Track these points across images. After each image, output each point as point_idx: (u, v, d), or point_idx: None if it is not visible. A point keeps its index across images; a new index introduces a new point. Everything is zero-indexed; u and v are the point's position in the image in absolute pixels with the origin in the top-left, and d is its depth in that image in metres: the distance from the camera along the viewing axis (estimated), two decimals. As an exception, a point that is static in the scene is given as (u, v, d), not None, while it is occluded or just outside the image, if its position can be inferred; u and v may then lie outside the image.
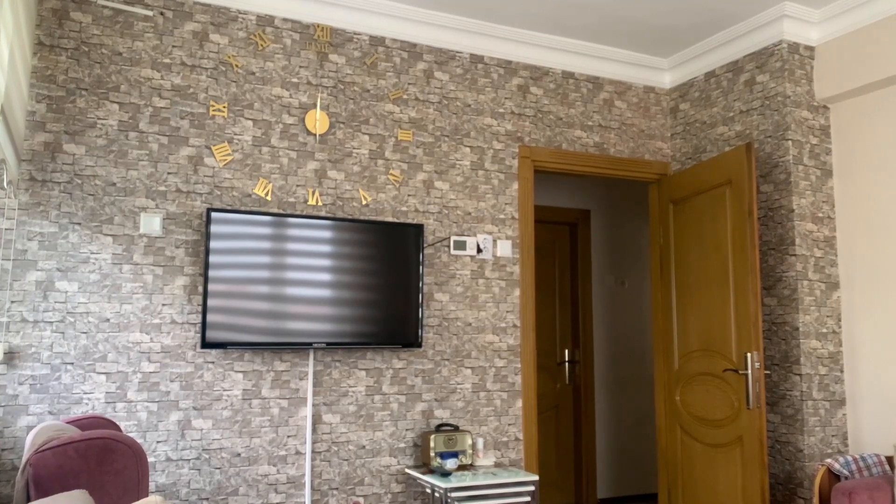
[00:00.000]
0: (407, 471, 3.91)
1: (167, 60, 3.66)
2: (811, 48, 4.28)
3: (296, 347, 3.69)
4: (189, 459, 3.52)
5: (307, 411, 3.77)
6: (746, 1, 4.08)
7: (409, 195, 4.15)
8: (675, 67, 4.90)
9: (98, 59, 3.53)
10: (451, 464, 3.71)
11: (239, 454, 3.63)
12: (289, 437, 3.73)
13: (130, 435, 3.41)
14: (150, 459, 3.45)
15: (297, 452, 3.75)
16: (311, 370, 3.78)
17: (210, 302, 3.47)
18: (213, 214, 3.52)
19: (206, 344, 3.46)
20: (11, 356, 3.25)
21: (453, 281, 4.20)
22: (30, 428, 3.26)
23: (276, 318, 3.61)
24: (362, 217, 4.00)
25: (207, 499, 3.54)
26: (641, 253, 6.37)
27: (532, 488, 3.70)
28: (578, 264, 6.06)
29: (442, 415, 4.11)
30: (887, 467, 3.59)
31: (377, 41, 4.16)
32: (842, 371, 4.14)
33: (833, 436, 4.05)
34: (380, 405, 3.96)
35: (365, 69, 4.11)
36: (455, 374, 4.15)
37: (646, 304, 6.33)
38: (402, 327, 3.89)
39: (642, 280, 6.34)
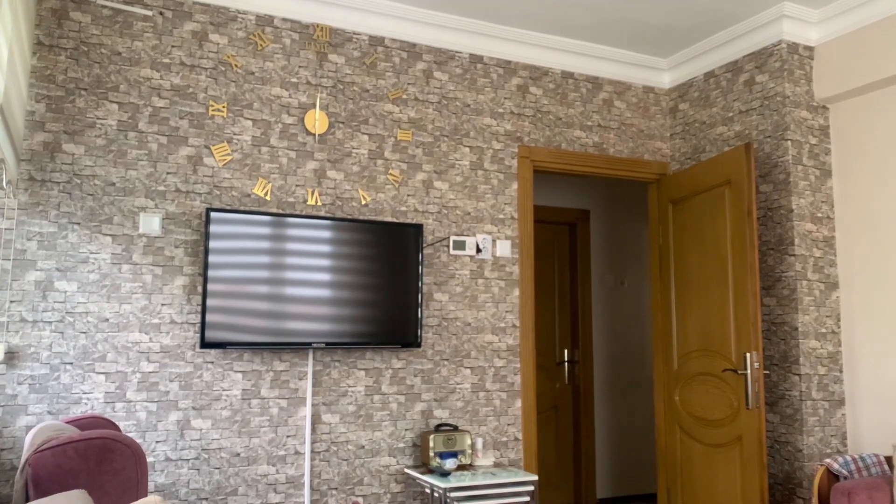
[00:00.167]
0: (406, 471, 3.91)
1: (166, 60, 3.66)
2: (810, 48, 4.28)
3: (295, 347, 3.69)
4: (188, 459, 3.52)
5: (306, 411, 3.77)
6: (746, 1, 4.09)
7: (408, 195, 4.15)
8: (675, 67, 4.90)
9: (97, 59, 3.53)
10: (450, 464, 3.71)
11: (238, 454, 3.63)
12: (288, 436, 3.73)
13: (129, 435, 3.41)
14: (150, 459, 3.45)
15: (297, 452, 3.75)
16: (310, 370, 3.78)
17: (209, 302, 3.47)
18: (213, 214, 3.52)
19: (205, 344, 3.46)
20: (11, 356, 3.25)
21: (452, 281, 4.21)
22: (29, 428, 3.26)
23: (276, 318, 3.61)
24: (361, 217, 4.00)
25: (207, 499, 3.54)
26: (641, 253, 6.38)
27: (531, 488, 3.70)
28: (578, 264, 6.06)
29: (441, 415, 4.11)
30: (886, 467, 3.59)
31: (376, 41, 4.16)
32: (841, 371, 4.14)
33: (832, 436, 4.05)
34: (379, 405, 3.96)
35: (364, 69, 4.11)
36: (454, 374, 4.16)
37: (645, 304, 6.33)
38: (402, 327, 3.89)
39: (642, 280, 6.35)
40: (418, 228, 3.98)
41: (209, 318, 3.47)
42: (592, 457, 5.91)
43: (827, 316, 4.13)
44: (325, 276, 3.73)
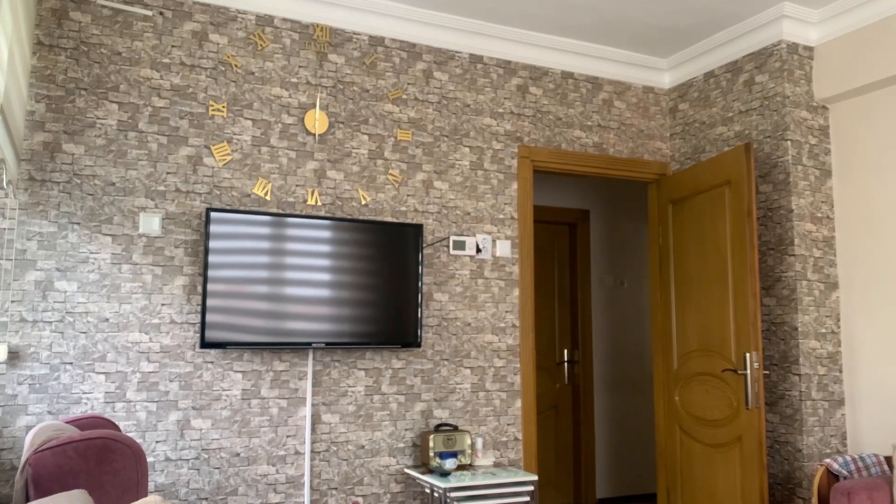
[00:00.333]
0: (406, 471, 3.91)
1: (166, 60, 3.66)
2: (810, 48, 4.29)
3: (295, 347, 3.69)
4: (188, 459, 3.52)
5: (306, 411, 3.77)
6: (745, 1, 4.09)
7: (408, 195, 4.15)
8: (675, 68, 4.90)
9: (97, 59, 3.53)
10: (450, 464, 3.71)
11: (238, 454, 3.63)
12: (288, 436, 3.73)
13: (129, 435, 3.41)
14: (150, 459, 3.45)
15: (297, 452, 3.75)
16: (310, 370, 3.78)
17: (209, 302, 3.47)
18: (213, 214, 3.52)
19: (205, 344, 3.46)
20: (14, 356, 3.25)
21: (452, 281, 4.21)
22: (29, 428, 3.26)
23: (276, 318, 3.61)
24: (361, 217, 4.00)
25: (206, 498, 3.54)
26: (640, 253, 6.38)
27: (531, 488, 3.70)
28: (578, 264, 6.06)
29: (441, 415, 4.11)
30: (886, 467, 3.59)
31: (376, 41, 4.16)
32: (841, 371, 4.14)
33: (832, 436, 4.05)
34: (379, 405, 3.96)
35: (364, 69, 4.11)
36: (454, 374, 4.16)
37: (645, 304, 6.33)
38: (402, 327, 3.89)
39: (641, 280, 6.35)
40: (418, 228, 3.98)
41: (209, 318, 3.47)
42: (592, 457, 5.91)
43: (827, 316, 4.13)
44: (325, 276, 3.73)
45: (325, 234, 3.75)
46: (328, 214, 3.93)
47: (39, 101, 3.41)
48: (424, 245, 4.14)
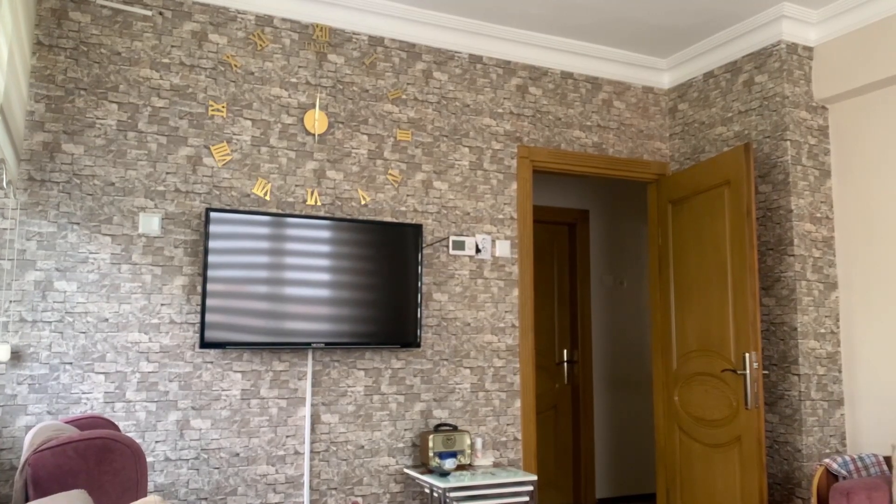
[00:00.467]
0: (405, 471, 3.91)
1: (166, 60, 3.66)
2: (810, 49, 4.29)
3: (294, 347, 3.69)
4: (188, 459, 3.53)
5: (306, 411, 3.77)
6: (745, 1, 4.09)
7: (407, 195, 4.15)
8: (674, 68, 4.91)
9: (97, 59, 3.53)
10: (449, 464, 3.71)
11: (237, 454, 3.63)
12: (287, 436, 3.74)
13: (129, 435, 3.41)
14: (149, 459, 3.45)
15: (296, 452, 3.75)
16: (309, 370, 3.78)
17: (209, 302, 3.47)
18: (212, 214, 3.52)
19: (204, 344, 3.46)
20: (14, 356, 3.25)
21: (452, 281, 4.21)
22: (28, 428, 3.26)
23: (275, 318, 3.62)
24: (361, 217, 4.01)
25: (206, 498, 3.54)
26: (640, 253, 6.38)
27: (531, 488, 3.70)
28: (577, 264, 6.06)
29: (440, 415, 4.11)
30: (885, 467, 3.59)
31: (376, 41, 4.16)
32: (840, 371, 4.14)
33: (831, 436, 4.05)
34: (378, 405, 3.96)
35: (364, 69, 4.11)
36: (454, 374, 4.16)
37: (644, 304, 6.33)
38: (401, 327, 3.89)
39: (641, 280, 6.35)
40: (418, 228, 3.98)
41: (209, 318, 3.47)
42: (592, 457, 5.91)
43: (826, 316, 4.13)
44: (325, 276, 3.73)
45: (325, 234, 3.76)
46: (328, 214, 3.93)
47: (39, 101, 3.41)
48: (424, 245, 4.14)
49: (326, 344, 3.71)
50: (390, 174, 4.10)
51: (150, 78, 3.63)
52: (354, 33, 4.11)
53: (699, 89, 4.75)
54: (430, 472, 3.76)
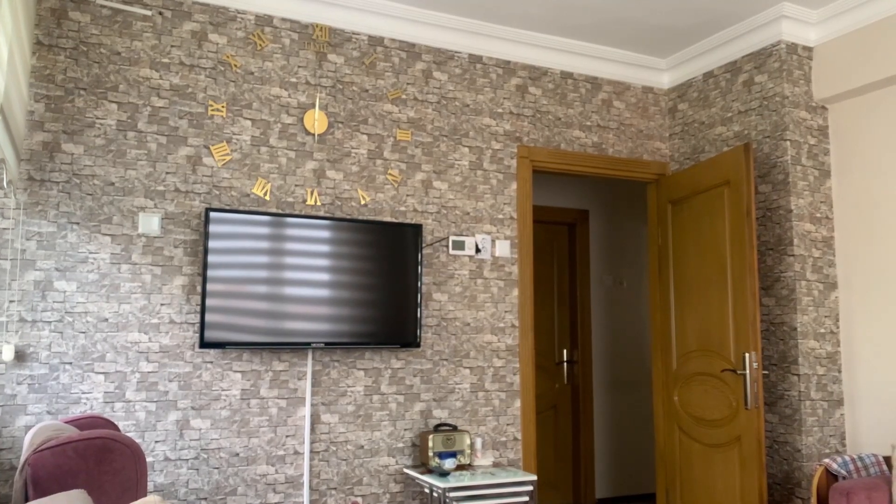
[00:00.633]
0: (405, 471, 3.91)
1: (166, 60, 3.66)
2: (809, 49, 4.29)
3: (294, 347, 3.69)
4: (187, 459, 3.52)
5: (305, 411, 3.77)
6: (745, 1, 4.09)
7: (407, 195, 4.15)
8: (674, 68, 4.91)
9: (97, 59, 3.53)
10: (449, 464, 3.71)
11: (237, 454, 3.63)
12: (287, 436, 3.73)
13: (129, 435, 3.41)
14: (149, 459, 3.45)
15: (296, 452, 3.75)
16: (309, 370, 3.78)
17: (208, 302, 3.47)
18: (212, 214, 3.52)
19: (204, 344, 3.46)
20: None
21: (452, 281, 4.21)
22: (28, 428, 3.26)
23: (275, 318, 3.61)
24: (361, 217, 4.00)
25: (206, 498, 3.54)
26: (640, 253, 6.38)
27: (530, 488, 3.70)
28: (577, 264, 6.06)
29: (440, 415, 4.11)
30: (885, 467, 3.59)
31: (376, 41, 4.16)
32: (840, 371, 4.14)
33: (831, 436, 4.05)
34: (378, 405, 3.96)
35: (363, 69, 4.11)
36: (453, 374, 4.16)
37: (644, 304, 6.33)
38: (401, 327, 3.89)
39: (640, 280, 6.35)
40: (417, 228, 3.98)
41: (208, 317, 3.47)
42: (591, 457, 5.91)
43: (826, 316, 4.14)
44: (325, 276, 3.73)
45: (325, 234, 3.76)
46: (327, 214, 3.93)
47: (38, 100, 3.41)
48: (424, 245, 4.14)
49: (326, 344, 3.71)
50: (390, 174, 4.10)
51: (150, 78, 3.63)
52: (354, 33, 4.11)
53: (699, 89, 4.75)
54: (429, 472, 3.76)
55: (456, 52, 4.37)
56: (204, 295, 3.47)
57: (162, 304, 3.54)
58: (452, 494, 3.53)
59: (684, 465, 4.44)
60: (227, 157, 3.74)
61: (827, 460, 3.52)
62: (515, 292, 4.38)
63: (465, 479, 3.59)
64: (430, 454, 3.81)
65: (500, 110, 4.46)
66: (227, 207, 3.71)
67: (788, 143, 4.14)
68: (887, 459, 3.64)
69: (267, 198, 3.81)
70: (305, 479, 3.73)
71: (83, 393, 3.37)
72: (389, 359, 4.00)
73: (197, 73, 3.72)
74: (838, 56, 4.14)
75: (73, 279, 3.40)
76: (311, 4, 3.97)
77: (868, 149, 4.09)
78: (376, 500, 3.90)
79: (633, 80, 4.89)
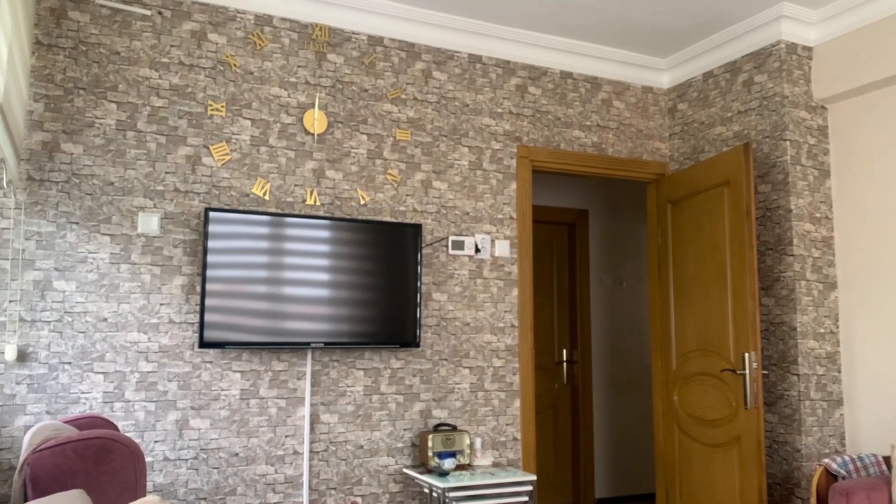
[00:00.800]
0: (405, 471, 3.91)
1: (165, 60, 3.66)
2: (809, 48, 4.29)
3: (294, 347, 3.69)
4: (187, 459, 3.52)
5: (305, 411, 3.77)
6: (744, 1, 4.09)
7: (407, 195, 4.15)
8: (674, 68, 4.91)
9: (96, 59, 3.53)
10: (448, 464, 3.71)
11: (237, 454, 3.63)
12: (287, 436, 3.73)
13: (128, 435, 3.41)
14: (148, 459, 3.45)
15: (295, 452, 3.75)
16: (308, 370, 3.78)
17: (208, 301, 3.47)
18: (211, 214, 3.51)
19: (203, 344, 3.45)
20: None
21: (451, 281, 4.21)
22: (27, 427, 3.26)
23: (274, 318, 3.61)
24: (360, 217, 4.00)
25: (205, 498, 3.54)
26: (639, 253, 6.38)
27: (530, 488, 3.70)
28: (576, 264, 6.06)
29: (440, 415, 4.11)
30: (884, 467, 3.59)
31: (375, 41, 4.16)
32: (839, 371, 4.14)
33: (830, 436, 4.05)
34: (378, 405, 3.95)
35: (363, 69, 4.11)
36: (453, 374, 4.16)
37: (644, 304, 6.33)
38: (400, 327, 3.89)
39: (640, 280, 6.35)
40: (417, 228, 3.98)
41: (208, 317, 3.47)
42: (591, 457, 5.91)
43: (825, 316, 4.13)
44: (324, 276, 3.73)
45: (324, 233, 3.75)
46: (327, 214, 3.93)
47: (38, 100, 3.41)
48: (423, 245, 4.14)
49: (326, 344, 3.71)
50: (390, 174, 4.10)
51: (150, 77, 3.63)
52: (354, 33, 4.10)
53: (699, 89, 4.74)
54: (429, 471, 3.76)
55: (455, 51, 4.37)
56: (203, 295, 3.47)
57: (161, 304, 3.54)
58: (452, 494, 3.53)
59: (684, 465, 4.44)
60: (227, 157, 3.74)
61: (826, 460, 3.52)
62: (515, 292, 4.38)
63: (465, 479, 3.59)
64: (430, 454, 3.81)
65: (499, 110, 4.46)
66: (227, 207, 3.71)
67: (788, 142, 4.14)
68: (887, 459, 3.64)
69: (266, 197, 3.81)
70: (305, 479, 3.73)
71: (82, 393, 3.36)
72: (389, 359, 4.00)
73: (196, 73, 3.72)
74: (838, 56, 4.14)
75: (72, 279, 3.39)
76: (310, 4, 3.97)
77: (868, 149, 4.09)
78: (376, 500, 3.90)
79: (632, 80, 4.89)
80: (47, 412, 3.30)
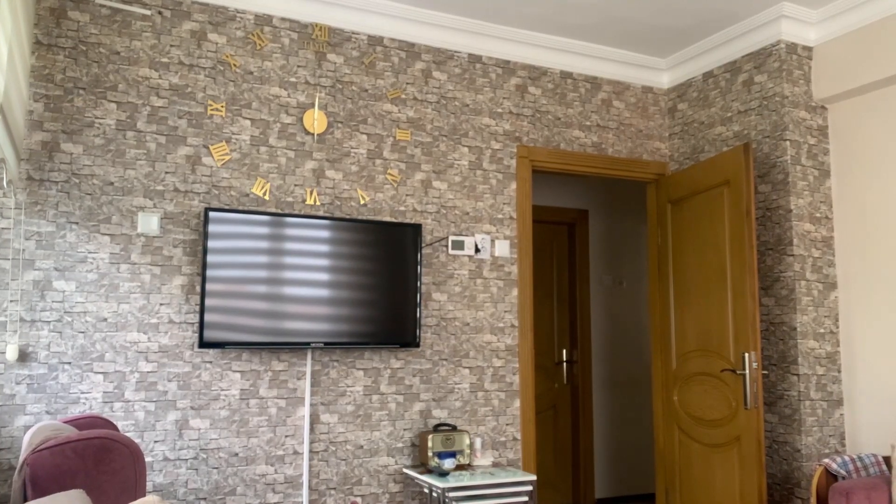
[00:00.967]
0: (405, 471, 3.91)
1: (165, 60, 3.66)
2: (809, 48, 4.29)
3: (294, 347, 3.69)
4: (186, 459, 3.52)
5: (305, 411, 3.77)
6: (744, 1, 4.09)
7: (407, 195, 4.15)
8: (674, 67, 4.90)
9: (96, 59, 3.53)
10: (448, 464, 3.71)
11: (236, 454, 3.62)
12: (286, 436, 3.73)
13: (128, 435, 3.41)
14: (148, 459, 3.45)
15: (295, 452, 3.75)
16: (308, 370, 3.78)
17: (208, 301, 3.47)
18: (211, 214, 3.51)
19: (203, 343, 3.45)
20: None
21: (451, 281, 4.20)
22: (27, 427, 3.26)
23: (274, 318, 3.61)
24: (360, 217, 4.00)
25: (205, 499, 3.54)
26: (639, 253, 6.38)
27: (530, 488, 3.70)
28: (576, 264, 6.06)
29: (440, 415, 4.11)
30: (884, 467, 3.59)
31: (375, 41, 4.16)
32: (839, 371, 4.14)
33: (830, 436, 4.05)
34: (378, 405, 3.95)
35: (363, 69, 4.11)
36: (453, 374, 4.15)
37: (643, 304, 6.33)
38: (400, 327, 3.89)
39: (640, 280, 6.35)
40: (417, 228, 3.98)
41: (208, 317, 3.47)
42: (591, 457, 5.91)
43: (825, 316, 4.13)
44: (324, 276, 3.73)
45: (324, 233, 3.75)
46: (327, 214, 3.93)
47: (38, 100, 3.41)
48: (423, 245, 4.14)
49: (325, 344, 3.71)
50: (389, 174, 4.10)
51: (149, 77, 3.62)
52: (354, 33, 4.10)
53: (698, 89, 4.74)
54: (429, 471, 3.76)
55: (455, 51, 4.37)
56: (203, 295, 3.46)
57: (161, 304, 3.54)
58: (452, 494, 3.53)
59: (684, 465, 4.44)
60: (227, 157, 3.74)
61: (826, 460, 3.52)
62: (515, 292, 4.38)
63: (465, 479, 3.59)
64: (430, 454, 3.80)
65: (499, 110, 4.45)
66: (227, 207, 3.71)
67: (788, 142, 4.14)
68: (887, 459, 3.64)
69: (266, 197, 3.81)
70: (305, 479, 3.73)
71: (82, 393, 3.36)
72: (389, 359, 4.00)
73: (196, 73, 3.72)
74: (838, 56, 4.14)
75: (72, 279, 3.39)
76: (310, 4, 3.97)
77: (868, 149, 4.09)
78: (375, 500, 3.90)
79: (632, 80, 4.88)
80: (47, 412, 3.30)
